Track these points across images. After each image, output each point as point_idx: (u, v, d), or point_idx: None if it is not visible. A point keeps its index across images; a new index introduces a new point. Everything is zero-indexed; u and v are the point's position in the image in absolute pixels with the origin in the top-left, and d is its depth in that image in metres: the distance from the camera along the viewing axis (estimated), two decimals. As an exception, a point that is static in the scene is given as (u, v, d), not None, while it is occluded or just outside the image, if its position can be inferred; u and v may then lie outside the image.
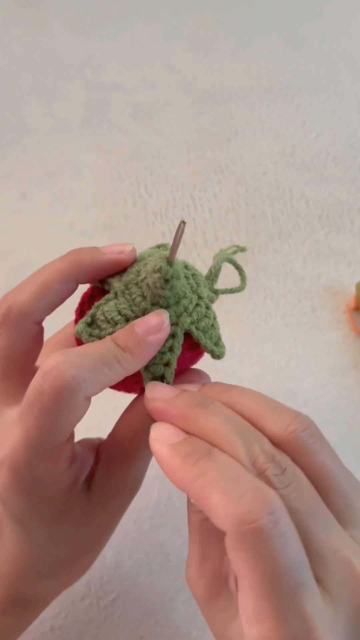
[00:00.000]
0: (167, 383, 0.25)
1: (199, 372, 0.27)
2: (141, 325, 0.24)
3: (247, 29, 0.66)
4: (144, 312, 0.24)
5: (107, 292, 0.26)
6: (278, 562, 0.17)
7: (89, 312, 0.25)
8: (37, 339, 0.26)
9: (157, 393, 0.24)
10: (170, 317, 0.25)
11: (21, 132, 0.59)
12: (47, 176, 0.56)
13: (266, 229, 0.53)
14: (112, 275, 0.26)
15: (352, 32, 0.65)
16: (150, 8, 0.68)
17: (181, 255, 0.55)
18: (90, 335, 0.25)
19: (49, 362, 0.21)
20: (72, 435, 0.24)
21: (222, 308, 0.49)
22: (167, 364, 0.25)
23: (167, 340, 0.25)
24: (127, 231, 0.53)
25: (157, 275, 0.23)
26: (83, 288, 0.28)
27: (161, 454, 0.21)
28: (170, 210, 0.54)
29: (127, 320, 0.24)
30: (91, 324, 0.25)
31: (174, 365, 0.25)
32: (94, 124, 0.60)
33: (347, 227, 0.53)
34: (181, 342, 0.25)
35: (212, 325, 0.27)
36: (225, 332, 0.48)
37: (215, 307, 0.28)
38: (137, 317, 0.24)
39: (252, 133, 0.58)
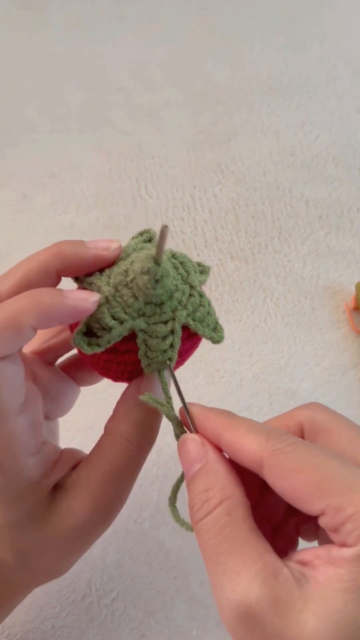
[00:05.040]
0: (167, 377, 0.25)
1: None
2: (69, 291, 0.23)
3: (247, 30, 0.66)
4: (139, 313, 0.24)
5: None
6: None
7: (83, 321, 0.24)
8: None
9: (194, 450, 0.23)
10: (165, 313, 0.24)
11: (22, 132, 0.59)
12: (47, 176, 0.56)
13: (266, 229, 0.53)
14: (95, 273, 0.25)
15: (352, 33, 0.65)
16: (150, 8, 0.68)
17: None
18: (89, 344, 0.24)
19: None
20: (28, 414, 0.24)
21: (222, 308, 0.49)
22: (169, 359, 0.25)
23: (167, 337, 0.25)
24: (127, 231, 0.53)
25: (146, 277, 0.23)
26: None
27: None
28: (170, 211, 0.54)
29: (122, 323, 0.24)
30: (87, 332, 0.24)
31: (175, 359, 0.25)
32: (95, 125, 0.60)
33: (347, 227, 0.53)
34: (180, 336, 0.25)
35: (208, 313, 0.26)
36: (225, 332, 0.48)
37: (215, 307, 0.28)
38: (132, 318, 0.24)
39: (252, 133, 0.58)
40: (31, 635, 0.37)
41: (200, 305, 0.26)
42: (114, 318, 0.24)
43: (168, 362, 0.25)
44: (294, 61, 0.63)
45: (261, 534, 0.20)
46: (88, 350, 0.24)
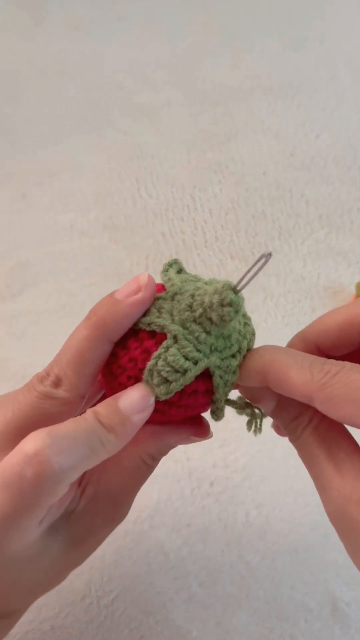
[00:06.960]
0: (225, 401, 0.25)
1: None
2: (125, 400, 0.22)
3: (248, 29, 0.66)
4: (210, 349, 0.22)
5: (144, 331, 0.23)
6: None
7: (149, 366, 0.22)
8: (72, 413, 0.23)
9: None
10: (233, 345, 0.23)
11: (21, 132, 0.59)
12: (47, 176, 0.56)
13: (266, 229, 0.53)
14: (151, 311, 0.23)
15: (352, 32, 0.65)
16: (150, 8, 0.68)
17: (181, 255, 0.55)
18: (167, 393, 0.22)
19: (32, 444, 0.20)
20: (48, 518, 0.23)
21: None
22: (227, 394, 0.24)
23: (236, 371, 0.23)
24: (127, 231, 0.53)
25: (227, 309, 0.21)
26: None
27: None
28: (170, 211, 0.54)
29: (196, 363, 0.22)
30: (152, 377, 0.22)
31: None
32: (94, 124, 0.60)
33: (347, 227, 0.53)
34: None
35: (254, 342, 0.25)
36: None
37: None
38: (206, 356, 0.22)
39: (252, 133, 0.58)
40: (30, 636, 0.37)
41: (252, 334, 0.25)
42: (187, 359, 0.22)
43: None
44: (294, 61, 0.63)
45: (350, 438, 0.22)
46: (165, 397, 0.22)
